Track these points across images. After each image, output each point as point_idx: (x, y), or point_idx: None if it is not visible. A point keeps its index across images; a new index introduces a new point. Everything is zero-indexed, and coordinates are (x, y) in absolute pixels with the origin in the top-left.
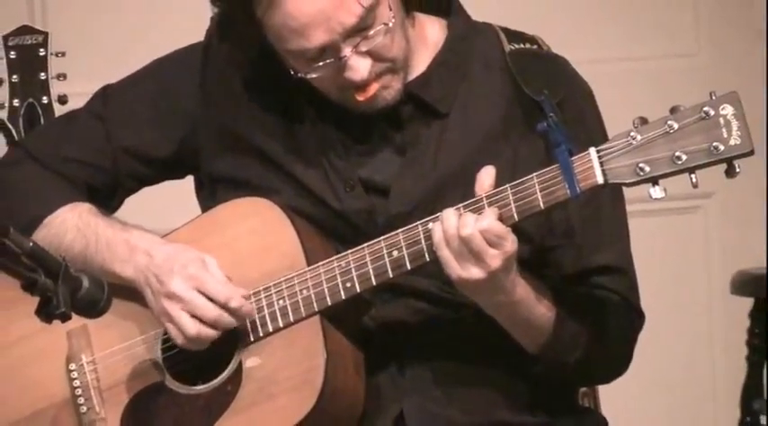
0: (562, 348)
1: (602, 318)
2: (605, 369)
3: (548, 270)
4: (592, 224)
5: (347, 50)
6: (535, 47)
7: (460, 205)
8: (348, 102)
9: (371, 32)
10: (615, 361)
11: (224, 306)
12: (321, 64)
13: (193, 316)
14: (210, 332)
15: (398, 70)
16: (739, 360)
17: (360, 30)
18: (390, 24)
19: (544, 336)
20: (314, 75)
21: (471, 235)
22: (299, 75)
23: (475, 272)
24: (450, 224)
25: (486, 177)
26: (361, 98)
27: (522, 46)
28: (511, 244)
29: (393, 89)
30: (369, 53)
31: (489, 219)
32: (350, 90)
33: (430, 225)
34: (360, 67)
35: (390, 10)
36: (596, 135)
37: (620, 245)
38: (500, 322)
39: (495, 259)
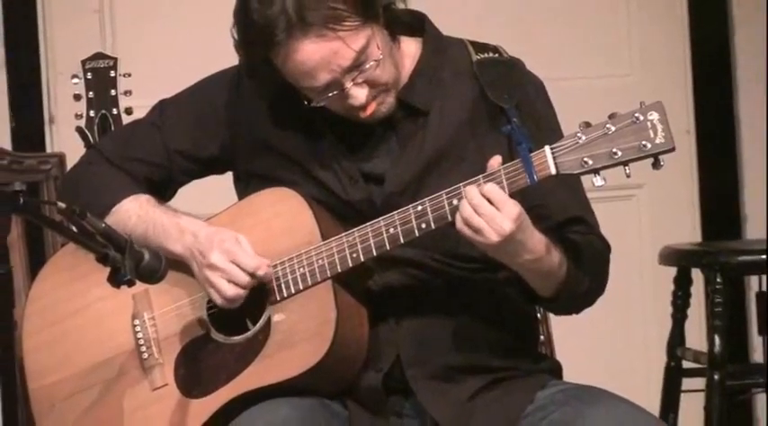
0: (574, 285)
1: (591, 254)
2: (596, 293)
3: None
4: (558, 186)
5: (348, 83)
6: (497, 55)
7: (453, 186)
8: (354, 117)
9: (365, 67)
10: (601, 284)
11: (251, 274)
12: (329, 95)
13: (229, 281)
14: (243, 293)
15: (391, 89)
16: (665, 317)
17: (355, 67)
18: (380, 59)
19: (560, 280)
20: (323, 104)
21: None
22: (312, 104)
23: (492, 237)
24: (475, 194)
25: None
26: (363, 115)
27: (486, 55)
28: (513, 205)
29: (388, 103)
30: (365, 82)
31: (490, 185)
32: (354, 110)
33: (419, 207)
34: (359, 95)
35: (378, 48)
36: (547, 121)
37: (583, 200)
38: (524, 275)
39: (504, 222)
